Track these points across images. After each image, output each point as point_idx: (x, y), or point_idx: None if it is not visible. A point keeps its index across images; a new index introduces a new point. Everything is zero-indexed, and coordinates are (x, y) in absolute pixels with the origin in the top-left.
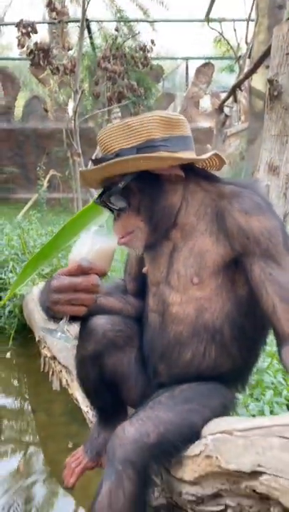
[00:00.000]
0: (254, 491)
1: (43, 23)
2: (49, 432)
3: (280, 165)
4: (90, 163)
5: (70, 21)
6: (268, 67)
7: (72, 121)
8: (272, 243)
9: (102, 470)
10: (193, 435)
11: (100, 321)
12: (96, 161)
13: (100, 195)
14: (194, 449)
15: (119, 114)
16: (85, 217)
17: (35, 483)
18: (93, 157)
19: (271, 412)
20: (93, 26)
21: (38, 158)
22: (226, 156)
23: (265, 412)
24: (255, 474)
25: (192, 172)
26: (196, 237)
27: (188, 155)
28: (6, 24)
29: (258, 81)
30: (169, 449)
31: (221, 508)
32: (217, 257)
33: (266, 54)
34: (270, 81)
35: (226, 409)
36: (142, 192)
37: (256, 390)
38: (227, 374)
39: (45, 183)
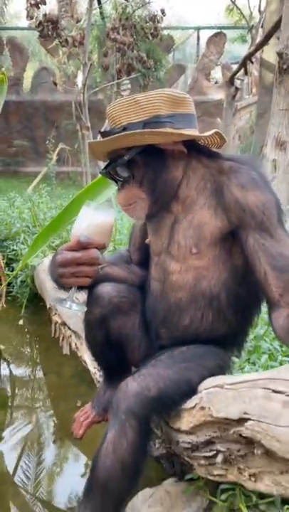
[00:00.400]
0: (240, 435)
1: None
2: (59, 392)
3: (287, 140)
4: (98, 135)
5: None
6: (279, 38)
7: (82, 94)
8: (266, 216)
9: (108, 424)
10: (190, 391)
11: (106, 288)
12: (104, 134)
13: (106, 166)
14: (190, 402)
15: (129, 86)
16: (93, 191)
17: (46, 438)
18: (102, 130)
19: None
20: None
21: (47, 131)
22: (235, 130)
23: None
24: (241, 421)
25: (194, 149)
26: (195, 210)
27: (192, 132)
28: None
29: (269, 53)
30: (167, 403)
31: (213, 453)
32: (215, 229)
33: (277, 25)
34: (280, 54)
35: (222, 369)
36: (146, 165)
37: (253, 355)
38: (223, 338)
39: (54, 157)
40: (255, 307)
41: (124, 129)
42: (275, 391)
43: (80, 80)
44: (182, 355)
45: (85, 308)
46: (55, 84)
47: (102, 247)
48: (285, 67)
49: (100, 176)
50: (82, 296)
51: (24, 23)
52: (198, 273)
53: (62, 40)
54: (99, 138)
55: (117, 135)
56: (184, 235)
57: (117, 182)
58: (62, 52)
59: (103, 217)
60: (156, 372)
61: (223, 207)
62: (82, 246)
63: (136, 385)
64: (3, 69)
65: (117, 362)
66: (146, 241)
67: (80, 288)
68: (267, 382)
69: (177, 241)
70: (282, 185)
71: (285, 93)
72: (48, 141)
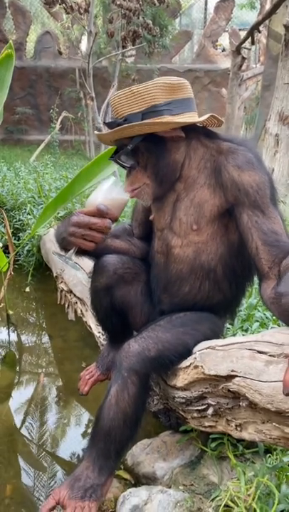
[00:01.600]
0: (229, 390)
1: None
2: (65, 354)
3: None
4: (102, 126)
5: None
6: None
7: (86, 64)
8: (259, 195)
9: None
10: (186, 352)
11: (112, 260)
12: (108, 124)
13: (113, 154)
14: (186, 362)
15: (134, 52)
16: (98, 165)
17: (53, 395)
18: (106, 120)
19: None
20: None
21: (51, 98)
22: (241, 101)
23: None
24: (229, 377)
25: (194, 131)
26: (196, 189)
27: (188, 118)
28: None
29: (278, 22)
30: (165, 362)
31: (205, 406)
32: (213, 207)
33: None
34: (287, 27)
35: (215, 334)
36: (149, 151)
37: (246, 322)
38: (218, 305)
39: (58, 125)
40: (248, 278)
41: (126, 119)
42: (259, 351)
43: (84, 45)
44: (180, 320)
45: (79, 269)
46: (60, 53)
47: (114, 220)
48: None
49: (103, 151)
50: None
51: None
52: (197, 247)
53: (67, 7)
54: (104, 127)
55: (117, 128)
56: (185, 213)
57: (124, 168)
58: (66, 17)
59: (120, 193)
60: (155, 335)
61: (220, 186)
62: (100, 214)
63: (137, 346)
64: (10, 40)
65: (120, 326)
66: (150, 218)
67: (80, 253)
68: (252, 344)
69: (179, 218)
70: (285, 158)
71: None
72: (51, 110)
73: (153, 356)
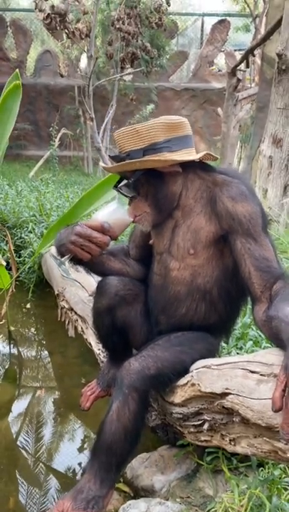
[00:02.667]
0: (223, 407)
1: None
2: (64, 370)
3: (283, 137)
4: (101, 145)
5: None
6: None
7: (85, 82)
8: (251, 224)
9: (112, 397)
10: (183, 370)
11: (113, 282)
12: (113, 158)
13: (116, 184)
14: (183, 380)
15: (131, 69)
16: (100, 190)
17: (52, 410)
18: (111, 155)
19: None
20: None
21: (50, 115)
22: (236, 120)
23: None
24: (224, 395)
25: (191, 164)
26: (193, 216)
27: (186, 155)
28: None
29: (271, 47)
30: (164, 380)
31: (201, 422)
32: (208, 234)
33: (279, 23)
34: (279, 55)
35: (211, 353)
36: (149, 183)
37: (240, 341)
38: (214, 325)
39: (57, 141)
40: (242, 300)
41: (128, 155)
42: (251, 371)
43: (83, 64)
44: (177, 340)
45: (70, 274)
46: (62, 76)
47: (114, 238)
48: (283, 67)
49: (106, 177)
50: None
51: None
52: (194, 270)
53: (69, 32)
54: (108, 160)
55: (121, 163)
56: (182, 238)
57: (126, 197)
58: (66, 37)
59: (124, 214)
60: (155, 354)
61: (216, 214)
62: (102, 230)
63: (138, 364)
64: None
65: (120, 344)
66: (150, 242)
67: (75, 261)
68: (245, 364)
69: (177, 243)
70: (278, 179)
71: (283, 92)
72: (51, 128)
73: (152, 374)
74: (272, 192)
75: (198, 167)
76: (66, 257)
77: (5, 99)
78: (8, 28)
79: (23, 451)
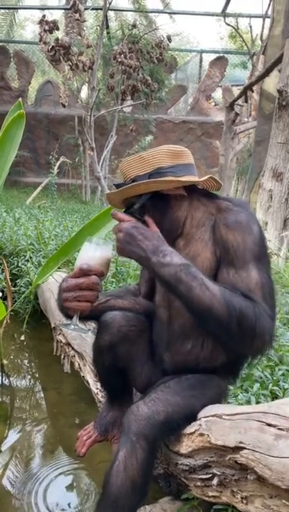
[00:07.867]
0: (236, 462)
1: (59, 8)
2: (59, 408)
3: (284, 172)
4: (112, 187)
5: (87, 8)
6: (280, 70)
7: (85, 112)
8: (236, 254)
9: (107, 443)
10: (192, 417)
11: (116, 317)
12: (117, 186)
13: (124, 211)
14: (190, 428)
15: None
16: (100, 221)
17: (44, 451)
18: (115, 183)
19: (257, 403)
20: (110, 13)
21: (49, 143)
22: (234, 153)
23: (251, 403)
24: (237, 449)
25: (195, 192)
26: (192, 244)
27: (189, 178)
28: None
29: (269, 83)
30: (174, 427)
31: (209, 476)
32: (205, 260)
33: (278, 60)
34: (280, 91)
35: (220, 397)
36: (154, 208)
37: (246, 382)
38: (221, 367)
39: (55, 169)
40: None
41: (134, 180)
42: (268, 424)
43: (83, 94)
44: (188, 382)
45: (87, 332)
46: (64, 105)
47: (101, 275)
48: (284, 103)
49: (105, 208)
50: (85, 325)
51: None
52: None
53: (73, 64)
54: (112, 188)
55: (126, 186)
56: None
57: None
58: (69, 69)
59: (102, 250)
60: (165, 397)
61: (214, 242)
62: (84, 273)
63: (147, 409)
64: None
65: (120, 385)
66: None
67: (84, 318)
68: (260, 415)
69: None
70: (278, 213)
71: (284, 127)
72: (51, 156)
73: (162, 420)
74: (272, 225)
75: (202, 195)
76: (74, 318)
77: (8, 128)
78: (11, 59)
79: (12, 492)
